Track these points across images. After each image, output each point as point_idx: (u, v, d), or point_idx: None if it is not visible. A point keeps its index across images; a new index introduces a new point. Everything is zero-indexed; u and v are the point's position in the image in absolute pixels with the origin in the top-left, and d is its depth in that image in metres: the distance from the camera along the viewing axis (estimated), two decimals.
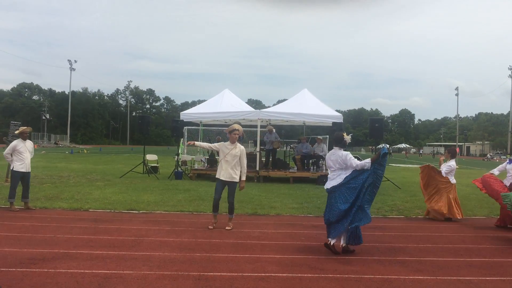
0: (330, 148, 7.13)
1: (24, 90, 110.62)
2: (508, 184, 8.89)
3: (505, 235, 8.20)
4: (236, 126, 8.01)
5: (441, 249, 6.96)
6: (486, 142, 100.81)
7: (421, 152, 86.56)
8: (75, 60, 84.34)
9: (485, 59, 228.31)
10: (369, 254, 6.50)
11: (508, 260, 6.38)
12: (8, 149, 9.59)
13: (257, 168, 17.30)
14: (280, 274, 5.32)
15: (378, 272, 5.57)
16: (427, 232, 8.31)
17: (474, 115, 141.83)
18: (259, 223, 8.66)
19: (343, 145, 6.62)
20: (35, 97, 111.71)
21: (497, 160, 60.12)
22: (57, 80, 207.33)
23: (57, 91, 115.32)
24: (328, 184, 6.60)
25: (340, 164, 6.48)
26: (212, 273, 5.28)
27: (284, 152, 21.53)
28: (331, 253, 6.39)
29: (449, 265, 6.02)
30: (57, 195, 11.63)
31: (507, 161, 9.40)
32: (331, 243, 6.42)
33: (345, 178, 6.42)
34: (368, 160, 6.40)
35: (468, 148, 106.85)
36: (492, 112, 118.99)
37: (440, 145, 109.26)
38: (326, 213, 6.56)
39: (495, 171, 9.31)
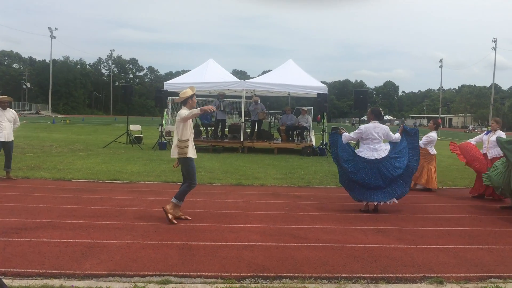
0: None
1: (3, 58, 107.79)
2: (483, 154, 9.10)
3: (483, 205, 8.38)
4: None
5: (422, 219, 7.09)
6: (468, 114, 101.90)
7: (404, 124, 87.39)
8: (55, 28, 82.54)
9: (469, 32, 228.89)
10: (351, 223, 6.60)
11: (486, 229, 6.53)
12: None
13: (242, 139, 17.30)
14: (264, 243, 5.38)
15: (360, 240, 5.66)
16: (408, 202, 8.44)
17: (457, 87, 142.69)
18: (243, 194, 8.70)
19: (382, 119, 7.65)
20: (15, 66, 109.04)
21: (478, 132, 60.95)
22: (37, 48, 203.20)
23: (37, 60, 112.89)
24: (377, 155, 7.27)
25: (384, 136, 7.41)
26: (196, 242, 5.31)
27: (268, 123, 21.52)
28: (316, 222, 6.50)
29: (429, 234, 6.15)
30: (39, 165, 11.50)
31: (485, 132, 9.60)
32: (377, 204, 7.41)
33: (389, 149, 7.38)
34: (398, 135, 7.51)
35: (450, 120, 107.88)
36: (475, 85, 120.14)
37: (423, 117, 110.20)
38: (374, 180, 7.17)
39: (472, 141, 9.52)
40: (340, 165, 7.52)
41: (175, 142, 6.40)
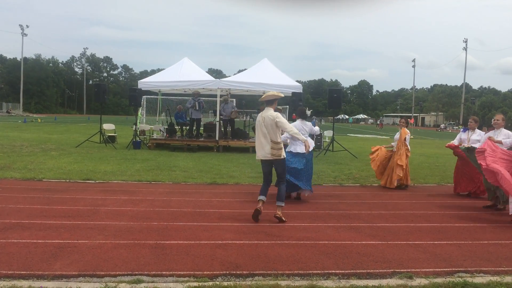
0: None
1: None
2: None
3: (453, 202, 8.58)
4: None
5: (393, 216, 7.22)
6: (440, 113, 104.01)
7: (378, 122, 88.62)
8: (27, 25, 79.71)
9: (441, 32, 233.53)
10: (324, 221, 6.67)
11: (454, 225, 6.69)
12: None
13: (217, 138, 17.27)
14: (237, 242, 5.39)
15: (332, 238, 5.73)
16: (381, 200, 8.58)
17: (429, 87, 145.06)
18: (217, 192, 8.69)
19: (306, 117, 8.56)
20: None
21: (450, 131, 62.26)
22: (8, 46, 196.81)
23: (8, 58, 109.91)
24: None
25: (309, 131, 8.32)
26: (168, 241, 5.28)
27: (244, 122, 21.52)
28: (289, 220, 6.54)
29: (400, 230, 6.26)
30: (9, 165, 11.25)
31: (462, 129, 9.71)
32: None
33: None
34: (318, 128, 8.87)
35: (423, 118, 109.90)
36: (446, 84, 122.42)
37: (397, 116, 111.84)
38: (308, 171, 8.07)
39: (455, 142, 9.50)
40: None
41: (267, 144, 6.48)
